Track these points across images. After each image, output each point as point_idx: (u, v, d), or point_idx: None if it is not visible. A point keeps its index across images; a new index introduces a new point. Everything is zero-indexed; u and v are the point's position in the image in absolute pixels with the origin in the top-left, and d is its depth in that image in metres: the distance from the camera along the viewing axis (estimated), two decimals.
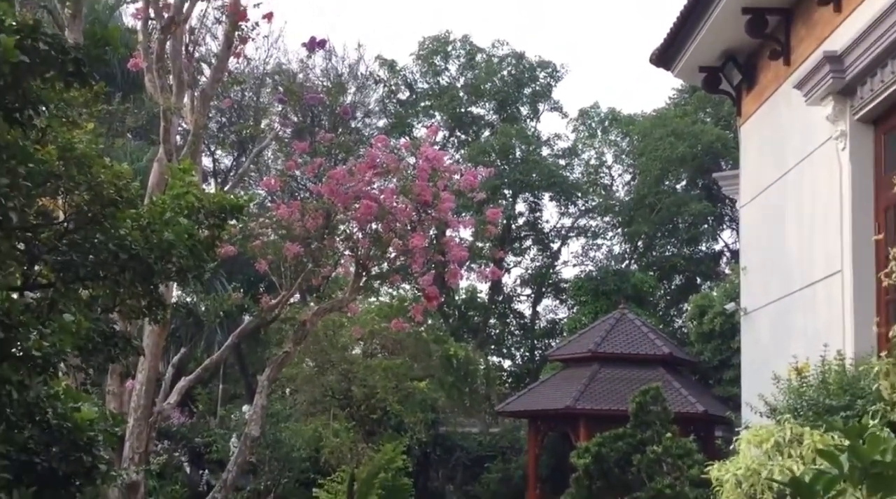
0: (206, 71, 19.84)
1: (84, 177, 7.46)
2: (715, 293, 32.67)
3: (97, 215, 7.62)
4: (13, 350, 6.62)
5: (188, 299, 33.76)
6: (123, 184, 7.69)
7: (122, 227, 7.53)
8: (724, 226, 47.87)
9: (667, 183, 46.90)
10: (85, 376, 8.55)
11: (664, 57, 19.63)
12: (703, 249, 48.12)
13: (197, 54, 18.28)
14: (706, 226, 46.72)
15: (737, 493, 9.26)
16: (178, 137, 16.79)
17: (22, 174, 6.46)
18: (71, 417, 7.14)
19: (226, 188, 19.94)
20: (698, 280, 47.43)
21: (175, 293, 24.49)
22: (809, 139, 15.56)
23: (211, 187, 43.97)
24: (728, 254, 47.35)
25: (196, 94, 16.22)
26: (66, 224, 7.83)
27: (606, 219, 50.00)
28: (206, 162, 41.96)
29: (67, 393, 7.29)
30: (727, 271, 40.05)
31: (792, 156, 16.54)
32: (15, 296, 7.39)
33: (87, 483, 7.10)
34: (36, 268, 7.83)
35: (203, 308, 30.60)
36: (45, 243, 7.64)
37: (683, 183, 47.65)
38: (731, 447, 11.26)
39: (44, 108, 6.63)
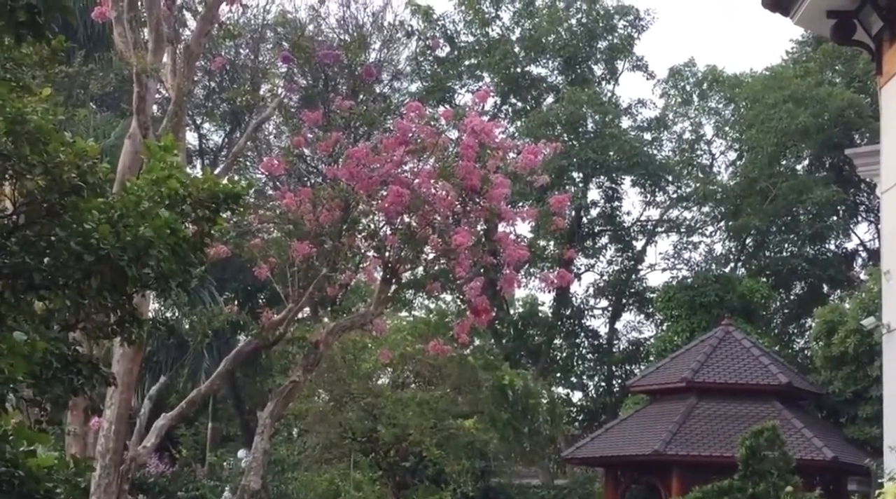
0: (191, 22, 19.98)
1: (38, 157, 7.50)
2: (847, 305, 32.40)
3: (55, 206, 7.66)
4: None
5: (169, 314, 34.00)
6: (88, 166, 7.72)
7: (87, 220, 7.56)
8: (859, 218, 47.54)
9: (783, 163, 46.63)
10: (40, 411, 8.61)
11: None
12: (832, 247, 47.81)
13: (179, 1, 18.40)
14: (835, 218, 46.37)
15: None
16: (155, 107, 16.87)
17: None
18: (24, 463, 7.16)
19: (216, 172, 20.07)
20: (825, 288, 47.09)
21: (152, 306, 24.69)
22: None
23: (197, 170, 44.30)
24: (864, 254, 46.97)
25: (178, 51, 16.31)
26: (15, 217, 7.87)
27: (705, 209, 49.82)
28: (191, 138, 42.33)
29: (20, 433, 7.33)
30: (863, 277, 39.69)
31: None
32: None
33: None
34: None
35: (188, 325, 30.78)
36: None
37: (805, 163, 47.41)
38: None
39: None
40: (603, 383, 51.09)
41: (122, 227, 7.58)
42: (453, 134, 18.04)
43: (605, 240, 51.56)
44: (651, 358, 43.71)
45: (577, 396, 51.46)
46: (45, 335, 7.57)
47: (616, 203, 50.30)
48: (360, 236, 17.83)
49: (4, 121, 7.28)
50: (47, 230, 7.59)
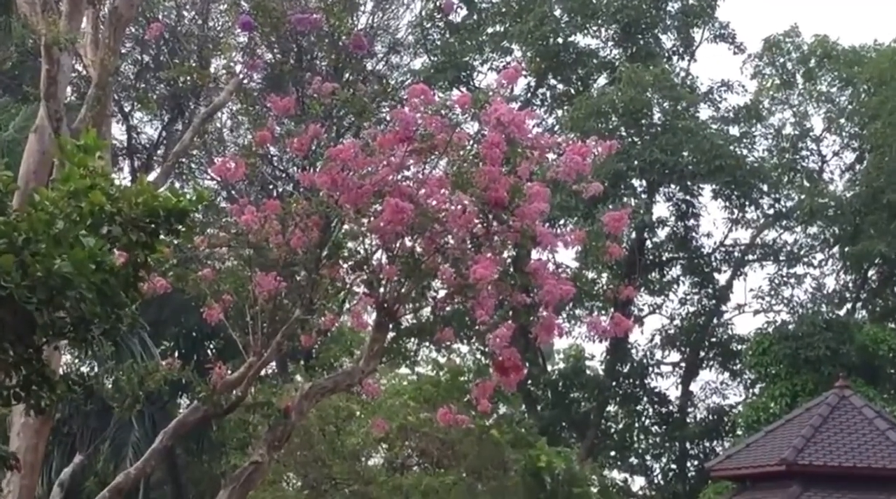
0: None
1: None
2: None
3: None
4: None
5: (85, 369, 34.04)
6: None
7: None
8: None
9: None
10: None
11: None
12: None
13: None
14: None
15: None
16: (70, 90, 16.93)
17: None
18: None
19: (151, 177, 20.20)
20: None
21: (64, 359, 24.73)
22: None
23: (125, 176, 44.25)
24: None
25: (101, 16, 16.43)
26: None
27: (813, 230, 49.85)
28: (118, 132, 42.57)
29: None
30: None
31: None
32: None
33: None
34: None
35: (111, 385, 30.72)
36: None
37: None
38: None
39: None
40: (673, 466, 51.07)
41: (30, 256, 7.62)
42: (472, 127, 18.10)
43: (676, 271, 51.61)
44: (739, 432, 43.67)
45: (638, 482, 51.46)
46: None
47: (692, 221, 50.36)
48: (345, 266, 17.90)
49: None
50: None
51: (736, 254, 50.96)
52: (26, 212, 8.19)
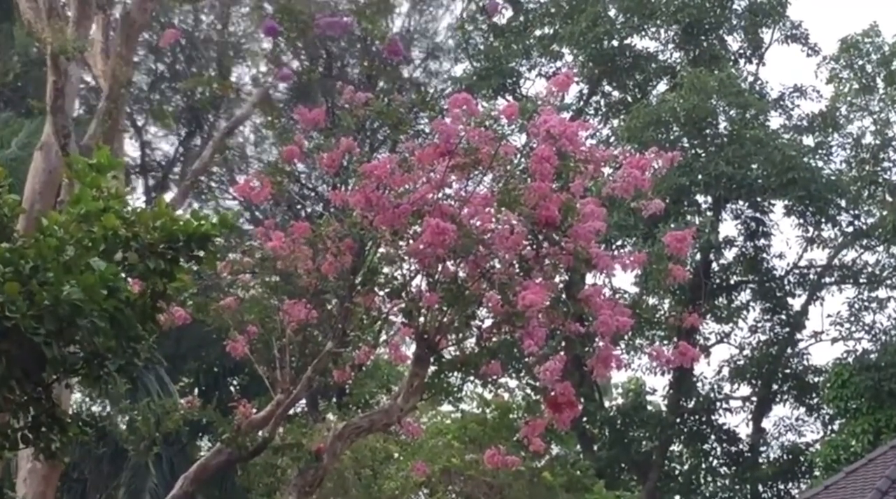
0: None
1: None
2: None
3: None
4: None
5: (96, 409, 34.20)
6: None
7: None
8: None
9: None
10: None
11: None
12: None
13: None
14: None
15: None
16: (78, 103, 17.03)
17: None
18: None
19: (168, 198, 20.31)
20: None
21: (74, 397, 24.85)
22: None
23: (139, 197, 44.38)
24: None
25: (113, 22, 16.55)
26: None
27: None
28: (131, 148, 42.77)
29: None
30: None
31: None
32: None
33: None
34: None
35: (125, 426, 30.86)
36: None
37: None
38: None
39: None
40: None
41: (38, 285, 7.68)
42: (520, 140, 18.13)
43: (746, 296, 51.44)
44: (816, 473, 43.51)
45: None
46: None
47: (763, 241, 50.23)
48: (381, 294, 17.94)
49: None
50: None
51: (811, 276, 50.79)
52: (33, 237, 8.25)
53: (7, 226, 7.88)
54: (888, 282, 50.57)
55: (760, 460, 50.63)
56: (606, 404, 49.16)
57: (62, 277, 7.77)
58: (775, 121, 49.24)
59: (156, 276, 8.43)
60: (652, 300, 46.24)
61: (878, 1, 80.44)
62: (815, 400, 49.64)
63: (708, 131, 46.37)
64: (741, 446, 51.52)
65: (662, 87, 49.80)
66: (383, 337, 18.67)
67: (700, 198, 47.47)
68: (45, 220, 8.47)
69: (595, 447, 47.40)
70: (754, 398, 51.68)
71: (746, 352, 51.23)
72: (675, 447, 50.83)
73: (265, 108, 23.28)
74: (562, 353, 17.65)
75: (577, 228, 16.78)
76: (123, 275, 8.19)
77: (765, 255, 50.32)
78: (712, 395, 51.78)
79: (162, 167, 45.45)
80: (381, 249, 17.65)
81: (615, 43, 49.16)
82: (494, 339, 18.08)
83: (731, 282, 50.87)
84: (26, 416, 8.23)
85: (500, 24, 49.70)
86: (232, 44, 39.56)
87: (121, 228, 8.27)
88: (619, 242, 42.02)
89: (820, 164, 48.68)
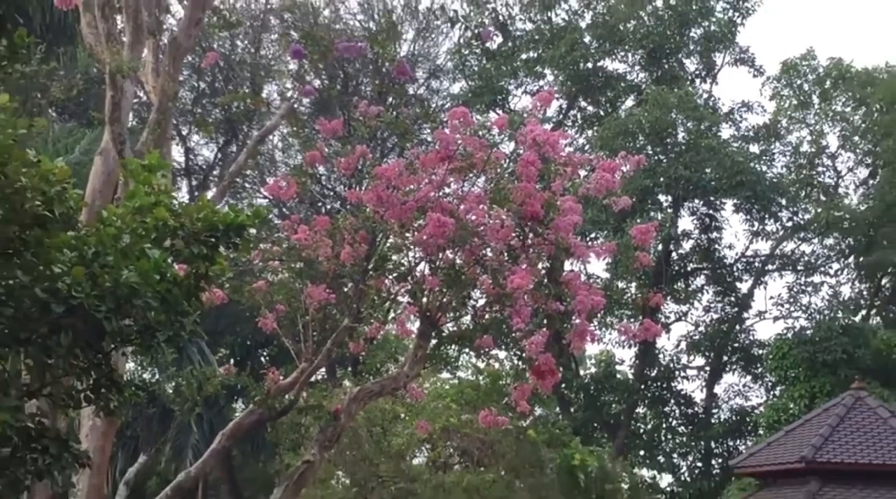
0: (177, 9, 20.23)
1: None
2: None
3: (15, 242, 7.75)
4: None
5: (146, 376, 34.18)
6: (56, 192, 7.83)
7: (55, 261, 7.66)
8: None
9: None
10: None
11: None
12: None
13: None
14: None
15: None
16: (132, 116, 17.02)
17: None
18: None
19: (209, 196, 20.26)
20: None
21: (128, 365, 24.82)
22: None
23: (183, 194, 44.42)
24: None
25: (162, 45, 16.49)
26: None
27: (829, 242, 49.66)
28: (177, 153, 42.75)
29: None
30: None
31: None
32: None
33: None
34: None
35: (172, 391, 30.86)
36: None
37: None
38: None
39: None
40: (699, 464, 50.88)
41: (99, 269, 7.65)
42: (508, 147, 18.10)
43: (700, 281, 51.47)
44: (761, 432, 43.49)
45: (666, 479, 51.27)
46: (3, 404, 7.64)
47: (715, 234, 50.24)
48: (390, 278, 17.91)
49: None
50: (5, 273, 7.66)
51: (756, 264, 50.79)
52: (95, 228, 8.22)
53: (72, 218, 7.85)
54: (822, 269, 50.61)
55: (712, 421, 50.64)
56: (582, 372, 49.14)
57: (120, 262, 7.75)
58: (726, 132, 49.29)
59: (198, 260, 8.41)
60: (621, 284, 46.22)
61: (814, 27, 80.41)
62: (760, 370, 49.67)
63: (668, 140, 46.36)
64: (696, 409, 51.53)
65: (630, 102, 49.76)
66: (392, 315, 18.61)
67: (662, 197, 47.48)
68: (104, 213, 8.46)
69: (572, 409, 47.41)
70: (707, 368, 51.71)
71: (701, 328, 51.29)
72: (640, 410, 50.85)
73: (291, 119, 23.12)
74: (544, 328, 17.62)
75: (558, 221, 16.78)
76: (171, 259, 8.17)
77: (717, 246, 50.35)
78: (672, 365, 51.81)
79: (203, 170, 45.41)
80: (391, 240, 17.64)
81: (590, 65, 49.14)
82: (487, 316, 18.05)
83: (688, 269, 50.90)
84: (88, 380, 8.21)
85: (491, 48, 49.64)
86: (263, 65, 39.48)
87: (169, 219, 8.25)
88: (593, 235, 42.04)
89: (764, 168, 48.66)
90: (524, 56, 49.94)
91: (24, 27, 7.65)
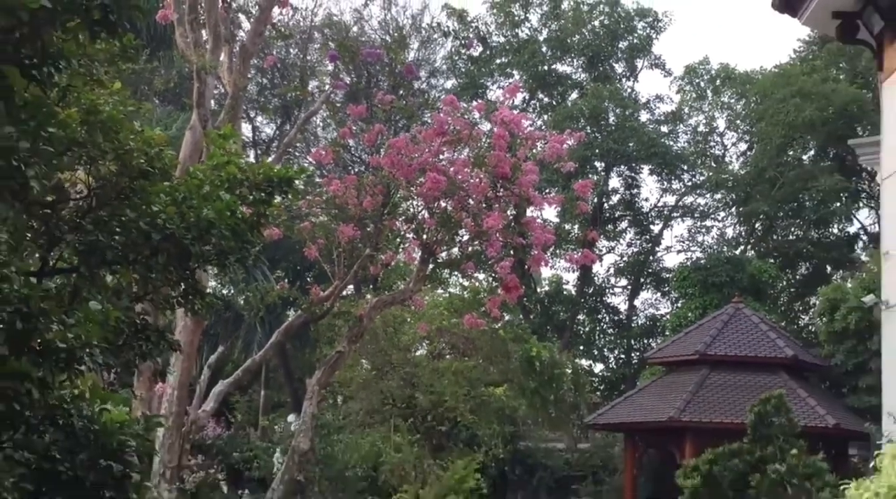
0: (246, 24, 20.04)
1: (110, 144, 7.56)
2: (849, 285, 32.20)
3: (125, 189, 7.73)
4: (33, 343, 6.65)
5: (224, 291, 34.22)
6: (155, 152, 7.80)
7: (154, 202, 7.65)
8: (861, 204, 47.11)
9: (791, 153, 46.28)
10: (112, 375, 8.74)
11: (790, 1, 19.37)
12: (835, 231, 47.44)
13: (235, 4, 18.47)
14: (838, 204, 45.95)
15: None
16: (213, 102, 16.95)
17: (44, 137, 6.55)
18: (98, 419, 7.25)
19: (269, 160, 20.16)
20: (828, 269, 46.79)
21: (210, 284, 24.81)
22: None
23: (251, 160, 44.39)
24: (865, 237, 46.63)
25: (234, 50, 16.40)
26: (90, 199, 7.92)
27: (717, 196, 49.55)
28: (245, 130, 42.56)
29: (94, 392, 7.41)
30: (864, 258, 39.43)
31: None
32: (34, 282, 7.52)
33: (118, 495, 7.19)
34: (57, 251, 7.93)
35: (242, 301, 31.02)
36: (66, 222, 7.76)
37: (811, 153, 47.00)
38: (871, 465, 11.14)
39: (64, 64, 6.68)
40: (622, 356, 50.97)
41: (186, 208, 7.66)
42: (486, 126, 18.06)
43: (624, 224, 51.35)
44: (667, 332, 43.56)
45: (598, 367, 51.34)
46: (117, 306, 7.64)
47: (635, 190, 50.10)
48: (400, 220, 17.91)
49: (79, 111, 7.33)
50: (118, 211, 7.66)
51: (665, 212, 50.65)
52: (184, 179, 8.22)
53: (167, 171, 7.82)
54: (712, 216, 50.52)
55: (632, 325, 50.66)
56: (538, 289, 49.04)
57: (202, 203, 7.72)
58: (644, 116, 48.98)
59: (259, 204, 8.39)
60: (567, 225, 46.17)
61: (708, 40, 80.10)
62: (667, 288, 49.60)
63: (602, 123, 46.16)
64: (621, 316, 51.50)
65: (574, 95, 49.43)
66: (401, 247, 18.61)
67: (597, 163, 47.28)
68: (190, 169, 8.47)
69: (531, 316, 47.41)
70: (629, 287, 51.69)
71: (625, 258, 51.21)
72: (581, 317, 50.81)
73: (328, 106, 23.04)
74: (511, 257, 17.64)
75: (521, 179, 16.77)
76: (239, 202, 8.15)
77: (636, 199, 50.17)
78: (603, 285, 51.76)
79: (265, 142, 45.23)
80: (400, 193, 17.60)
81: (545, 68, 48.79)
82: (470, 248, 18.07)
83: (616, 215, 50.77)
84: (179, 289, 8.19)
85: (474, 55, 49.33)
86: (308, 66, 39.15)
87: (237, 174, 8.22)
88: (547, 190, 41.78)
89: (671, 143, 48.52)
90: (498, 61, 49.57)
91: (134, 35, 7.56)
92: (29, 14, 5.97)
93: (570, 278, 50.34)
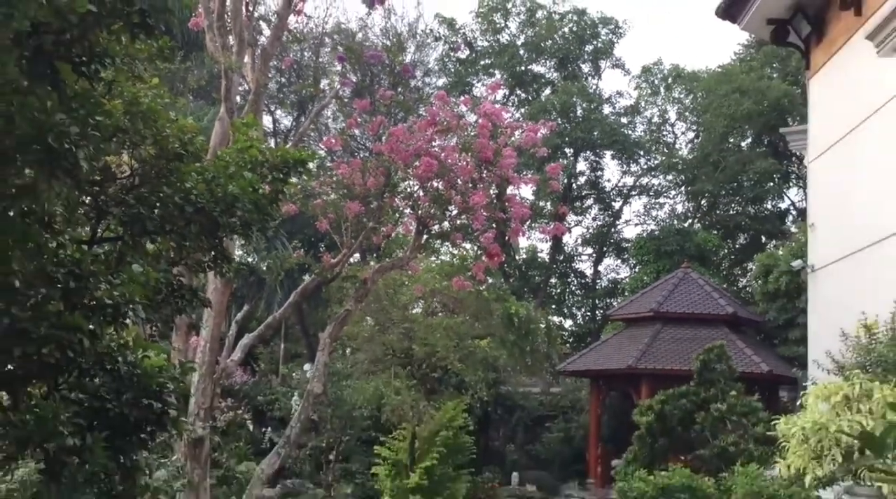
0: (266, 30, 19.96)
1: (150, 131, 7.57)
2: (780, 252, 32.30)
3: (163, 169, 7.73)
4: (85, 300, 6.77)
5: (250, 259, 34.18)
6: (188, 138, 7.79)
7: (187, 180, 7.64)
8: (791, 183, 47.20)
9: (731, 140, 46.30)
10: (153, 328, 8.73)
11: (731, 10, 19.31)
12: (769, 207, 47.53)
13: (257, 13, 18.35)
14: (772, 184, 46.06)
15: (803, 448, 9.21)
16: (238, 97, 16.88)
17: (92, 124, 6.56)
18: (140, 364, 7.31)
19: (287, 147, 20.07)
20: (763, 239, 46.90)
21: (237, 253, 24.78)
22: (881, 92, 15.23)
23: (270, 147, 44.18)
24: (794, 212, 46.73)
25: (256, 52, 16.28)
26: (132, 178, 7.95)
27: (669, 177, 49.57)
28: (266, 121, 42.42)
29: (137, 342, 7.45)
30: (793, 230, 39.51)
31: (863, 109, 16.22)
32: (85, 249, 7.53)
33: (158, 429, 7.26)
34: (104, 222, 7.96)
35: (265, 267, 30.97)
36: (112, 198, 7.77)
37: (749, 140, 47.01)
38: (798, 404, 11.19)
39: (109, 62, 6.68)
40: (588, 313, 51.16)
41: (215, 185, 7.64)
42: (472, 118, 17.97)
43: (590, 201, 51.44)
44: (626, 293, 43.70)
45: (568, 322, 51.55)
46: (156, 269, 7.66)
47: (599, 173, 50.19)
48: (398, 198, 17.81)
49: (123, 103, 7.34)
50: (157, 189, 7.65)
51: (625, 191, 50.73)
52: (213, 162, 8.20)
53: (199, 155, 7.80)
54: (664, 194, 50.61)
55: (597, 287, 50.82)
56: (517, 257, 49.14)
57: (228, 180, 7.69)
58: (607, 109, 48.98)
59: (277, 182, 8.36)
60: (541, 202, 46.17)
61: (662, 44, 79.85)
62: (626, 256, 49.75)
63: (571, 115, 46.13)
64: (587, 280, 51.67)
65: (548, 92, 49.37)
66: (399, 220, 18.55)
67: (567, 150, 47.28)
68: (219, 153, 8.44)
69: (511, 280, 47.50)
70: (595, 254, 51.80)
71: (590, 230, 51.32)
72: (553, 280, 50.99)
73: (337, 100, 22.95)
74: (493, 229, 17.61)
75: (502, 163, 16.66)
76: (260, 181, 8.13)
77: (600, 180, 50.26)
78: (572, 253, 51.91)
79: (284, 132, 45.06)
80: (399, 174, 17.52)
81: (523, 68, 48.72)
82: (458, 222, 18.01)
83: (583, 194, 50.82)
84: (209, 255, 8.18)
85: (462, 57, 49.20)
86: (320, 66, 38.97)
87: (258, 156, 8.19)
88: (524, 172, 41.80)
89: (629, 132, 48.56)
90: (482, 62, 49.45)
91: (169, 38, 7.52)
92: (78, 17, 5.96)
93: (544, 247, 50.48)
